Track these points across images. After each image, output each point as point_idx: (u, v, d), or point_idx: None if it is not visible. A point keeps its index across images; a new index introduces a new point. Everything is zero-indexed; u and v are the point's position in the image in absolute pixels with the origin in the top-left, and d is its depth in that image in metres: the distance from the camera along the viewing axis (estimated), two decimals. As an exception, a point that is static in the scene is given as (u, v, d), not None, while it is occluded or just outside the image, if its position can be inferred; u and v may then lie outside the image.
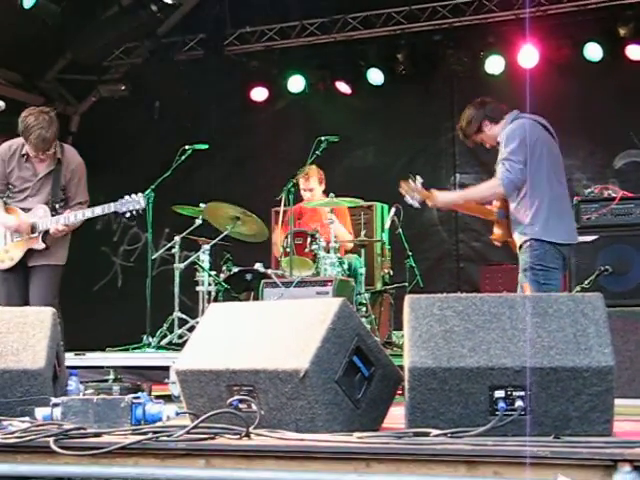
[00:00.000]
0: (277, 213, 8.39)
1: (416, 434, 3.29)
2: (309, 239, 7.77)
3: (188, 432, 3.32)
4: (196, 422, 3.39)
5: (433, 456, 3.03)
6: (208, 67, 10.72)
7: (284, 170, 8.13)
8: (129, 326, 8.13)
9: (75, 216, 5.85)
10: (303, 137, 8.51)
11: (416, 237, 9.19)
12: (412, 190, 5.63)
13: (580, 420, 3.44)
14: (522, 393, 3.43)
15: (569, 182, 5.90)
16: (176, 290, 7.91)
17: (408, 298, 3.69)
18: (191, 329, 7.32)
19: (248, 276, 7.78)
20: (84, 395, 4.40)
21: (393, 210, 8.40)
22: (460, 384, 3.47)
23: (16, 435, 3.41)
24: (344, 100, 10.39)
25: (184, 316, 7.81)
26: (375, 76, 10.15)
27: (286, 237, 7.75)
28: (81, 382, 4.86)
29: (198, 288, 7.99)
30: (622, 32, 9.11)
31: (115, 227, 11.00)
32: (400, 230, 8.39)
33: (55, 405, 3.63)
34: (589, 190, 6.64)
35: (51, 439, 3.29)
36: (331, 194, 7.94)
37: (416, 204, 5.69)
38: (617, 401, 3.51)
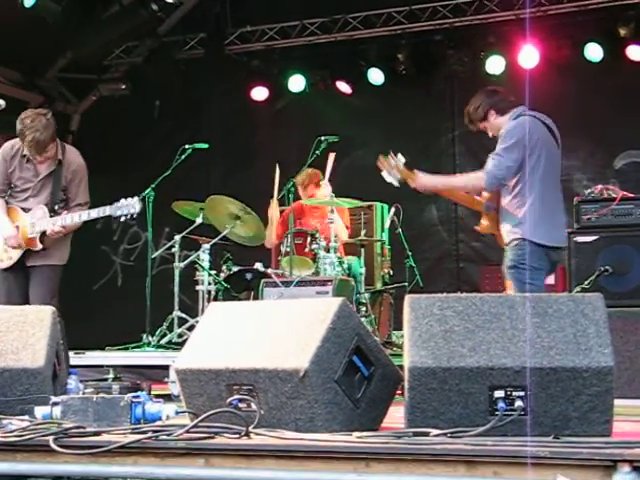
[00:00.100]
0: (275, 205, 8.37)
1: (416, 434, 3.29)
2: (309, 239, 7.77)
3: (188, 431, 3.32)
4: (196, 421, 3.39)
5: (433, 456, 3.03)
6: (209, 66, 10.72)
7: (284, 170, 8.13)
8: (129, 325, 8.14)
9: (72, 218, 5.85)
10: (303, 137, 8.50)
11: (416, 237, 9.20)
12: (391, 167, 5.61)
13: (580, 420, 3.45)
14: (522, 393, 3.44)
15: (569, 182, 5.91)
16: (176, 289, 7.91)
17: (408, 298, 3.70)
18: (191, 328, 7.32)
19: (248, 275, 7.78)
20: (84, 394, 4.41)
21: (393, 210, 8.41)
22: (460, 384, 3.47)
23: (15, 434, 3.42)
24: (344, 100, 10.38)
25: (184, 315, 7.81)
26: (375, 76, 10.15)
27: (286, 237, 7.75)
28: (81, 381, 4.86)
29: (198, 287, 8.00)
30: (622, 32, 9.10)
31: (115, 226, 10.99)
32: (400, 230, 8.39)
33: (55, 404, 3.64)
34: (589, 190, 6.63)
35: (50, 438, 3.29)
36: (331, 194, 7.93)
37: (395, 182, 5.65)
38: (617, 401, 3.51)
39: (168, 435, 3.30)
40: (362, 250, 8.12)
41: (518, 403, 3.43)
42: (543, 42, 9.37)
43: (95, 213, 5.88)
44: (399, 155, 5.61)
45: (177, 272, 7.90)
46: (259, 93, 10.68)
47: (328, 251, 7.67)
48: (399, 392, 3.88)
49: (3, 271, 6.01)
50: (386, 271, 8.54)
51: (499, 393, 3.45)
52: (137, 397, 3.62)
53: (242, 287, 7.86)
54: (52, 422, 3.55)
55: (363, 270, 7.96)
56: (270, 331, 3.81)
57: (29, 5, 8.86)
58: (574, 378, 3.43)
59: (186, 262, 7.92)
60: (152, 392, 6.30)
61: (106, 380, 7.12)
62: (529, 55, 9.35)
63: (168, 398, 5.59)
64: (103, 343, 7.76)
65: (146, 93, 10.88)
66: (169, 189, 7.97)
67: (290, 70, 10.44)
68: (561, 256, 5.57)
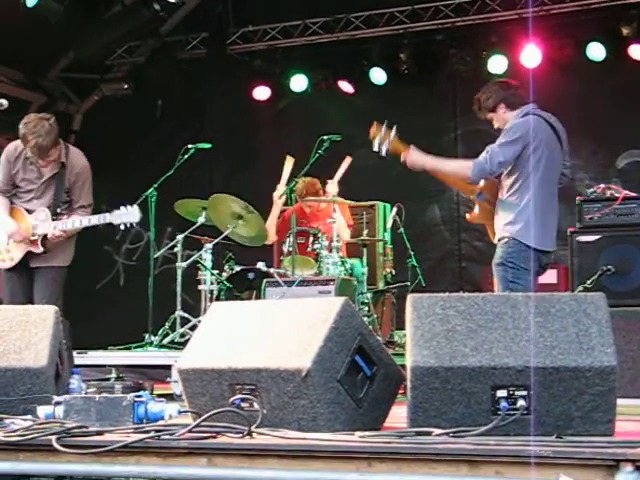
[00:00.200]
0: (278, 197, 8.36)
1: (418, 433, 3.29)
2: (311, 238, 7.77)
3: (190, 431, 3.32)
4: (198, 421, 3.39)
5: (435, 455, 3.03)
6: (211, 66, 10.72)
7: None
8: (131, 325, 8.14)
9: (72, 223, 5.87)
10: (306, 136, 8.49)
11: (418, 236, 9.20)
12: (382, 137, 5.59)
13: (582, 420, 3.44)
14: (524, 393, 3.44)
15: (571, 182, 5.89)
16: (178, 289, 7.91)
17: (410, 297, 3.69)
18: (193, 328, 7.32)
19: (250, 275, 7.78)
20: (86, 393, 4.40)
21: (395, 209, 8.41)
22: (462, 383, 3.47)
23: (18, 433, 3.42)
24: (347, 99, 10.38)
25: (186, 315, 7.81)
26: (378, 75, 10.14)
27: (288, 236, 7.75)
28: (83, 380, 4.87)
29: (200, 287, 8.00)
30: (625, 32, 9.09)
31: (117, 226, 11.00)
32: (402, 229, 8.39)
33: (57, 403, 3.64)
34: (592, 190, 6.63)
35: (53, 437, 3.30)
36: (333, 193, 7.92)
37: (382, 152, 5.62)
38: (619, 401, 3.51)
39: (171, 435, 3.30)
40: (364, 250, 8.12)
41: (520, 402, 3.43)
42: (545, 41, 9.37)
43: (95, 220, 5.90)
44: (394, 128, 5.59)
45: (179, 272, 7.89)
46: (261, 93, 10.68)
47: (330, 251, 7.67)
48: (401, 392, 3.88)
49: (7, 271, 6.02)
50: (388, 271, 8.54)
51: (501, 393, 3.46)
52: (140, 397, 3.63)
53: (244, 287, 7.86)
54: (55, 422, 3.55)
55: (365, 270, 7.96)
56: (272, 331, 3.81)
57: (31, 5, 8.86)
58: (577, 378, 3.43)
59: (188, 262, 7.91)
60: (154, 392, 6.31)
61: (108, 380, 7.13)
62: (531, 54, 9.34)
63: (170, 398, 5.60)
64: (105, 343, 7.76)
65: (148, 93, 10.89)
66: (171, 189, 7.97)
67: (292, 70, 10.44)
68: (551, 259, 5.54)
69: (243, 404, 3.66)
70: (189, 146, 8.06)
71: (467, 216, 5.87)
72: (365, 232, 8.31)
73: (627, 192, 6.48)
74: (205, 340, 4.00)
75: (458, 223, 10.03)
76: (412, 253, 8.36)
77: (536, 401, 3.42)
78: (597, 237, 6.36)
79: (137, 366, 7.55)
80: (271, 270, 7.69)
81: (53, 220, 5.89)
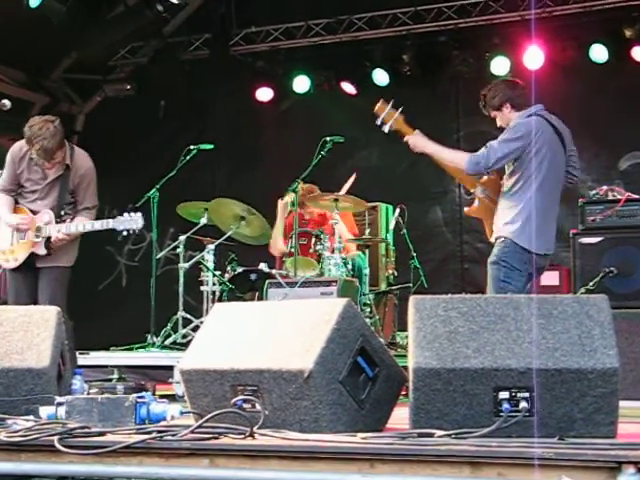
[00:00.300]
0: (283, 206, 8.36)
1: (420, 435, 3.29)
2: (313, 239, 7.77)
3: (192, 432, 3.32)
4: (200, 422, 3.39)
5: (437, 457, 3.02)
6: (213, 67, 10.73)
7: (289, 170, 8.12)
8: (133, 325, 8.15)
9: (76, 227, 5.89)
10: (308, 137, 8.50)
11: (420, 238, 9.19)
12: (387, 113, 5.60)
13: (585, 422, 3.44)
14: (526, 394, 3.43)
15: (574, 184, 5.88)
16: (180, 290, 7.92)
17: (413, 299, 3.69)
18: (195, 329, 7.33)
19: (252, 276, 7.79)
20: (88, 394, 4.41)
21: (397, 211, 8.41)
22: (464, 385, 3.46)
23: (20, 434, 3.42)
24: (349, 100, 10.38)
25: (188, 316, 7.82)
26: (380, 77, 10.15)
27: (290, 237, 7.75)
28: (85, 381, 4.87)
29: (202, 288, 8.01)
30: (628, 34, 9.09)
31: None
32: (404, 231, 8.39)
33: (59, 404, 3.64)
34: (594, 192, 6.63)
35: (55, 438, 3.29)
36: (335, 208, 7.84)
37: (385, 129, 5.64)
38: (622, 403, 3.51)
39: (173, 435, 3.30)
40: (366, 251, 8.12)
41: (523, 404, 3.42)
42: (548, 43, 9.36)
43: (99, 225, 5.91)
44: (400, 108, 5.61)
45: (182, 273, 7.91)
46: (264, 94, 10.68)
47: (332, 252, 7.67)
48: (403, 393, 3.88)
49: (11, 271, 6.03)
50: (390, 272, 8.54)
51: (504, 394, 3.45)
52: (142, 397, 3.62)
53: (246, 288, 7.86)
54: (57, 422, 3.55)
55: (367, 270, 7.96)
56: (274, 332, 3.81)
57: (34, 5, 8.87)
58: (579, 379, 3.43)
59: (191, 263, 7.92)
60: (156, 392, 6.31)
61: (110, 380, 7.14)
62: (534, 56, 9.34)
63: (172, 398, 5.61)
64: (108, 343, 7.77)
65: (151, 94, 10.89)
66: (174, 190, 7.97)
67: (295, 71, 10.44)
68: (547, 262, 5.52)
69: (245, 405, 3.65)
70: (191, 147, 8.07)
71: (466, 209, 5.88)
72: (367, 232, 8.31)
73: (629, 194, 6.48)
74: (207, 341, 4.00)
75: (460, 225, 10.03)
76: (414, 254, 8.36)
77: (538, 403, 3.42)
78: (599, 239, 6.36)
79: (139, 367, 7.55)
80: (273, 271, 7.70)
81: (57, 222, 5.90)
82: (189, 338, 7.25)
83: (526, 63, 9.38)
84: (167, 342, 7.58)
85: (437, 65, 10.08)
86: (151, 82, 10.80)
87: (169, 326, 7.78)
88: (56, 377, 4.14)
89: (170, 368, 6.60)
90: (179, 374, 4.00)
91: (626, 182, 8.70)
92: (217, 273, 7.88)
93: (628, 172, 9.33)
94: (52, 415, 3.63)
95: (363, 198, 8.01)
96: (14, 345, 4.12)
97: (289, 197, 8.04)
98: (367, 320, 6.83)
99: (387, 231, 8.72)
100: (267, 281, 7.36)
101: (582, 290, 6.09)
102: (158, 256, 8.05)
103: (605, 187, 6.69)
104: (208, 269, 7.85)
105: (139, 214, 5.92)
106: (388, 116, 5.60)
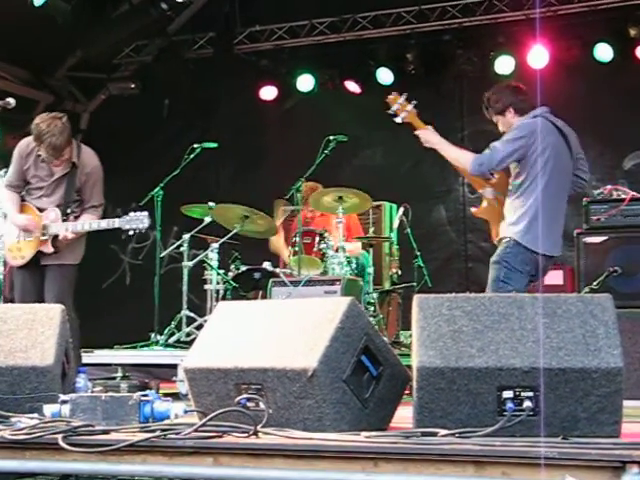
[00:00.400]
0: (283, 212, 8.37)
1: (424, 434, 3.29)
2: (317, 238, 7.77)
3: (196, 430, 3.32)
4: (204, 420, 3.39)
5: (441, 456, 3.03)
6: (218, 65, 10.72)
7: (293, 169, 8.12)
8: (137, 324, 8.15)
9: (82, 226, 5.90)
10: (312, 136, 8.49)
11: (424, 237, 9.19)
12: (400, 104, 5.64)
13: (588, 421, 3.44)
14: (530, 394, 3.43)
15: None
16: (184, 288, 7.92)
17: (417, 298, 3.69)
18: (199, 327, 7.33)
19: (256, 275, 7.79)
20: (92, 392, 4.42)
21: (401, 210, 8.40)
22: (468, 384, 3.46)
23: (25, 432, 3.43)
24: (353, 99, 10.37)
25: (192, 314, 7.82)
26: (384, 76, 10.13)
27: (294, 236, 7.75)
28: (89, 379, 4.87)
29: (206, 286, 8.01)
30: (632, 33, 9.07)
31: (123, 225, 11.00)
32: (408, 230, 8.39)
33: (63, 402, 3.65)
34: (598, 191, 6.62)
35: (59, 436, 3.30)
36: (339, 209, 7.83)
37: (398, 120, 5.70)
38: (626, 402, 3.51)
39: (177, 434, 3.30)
40: (370, 250, 8.12)
41: (527, 403, 3.42)
42: (553, 42, 9.35)
43: (105, 224, 5.93)
44: (413, 102, 5.63)
45: (185, 271, 7.90)
46: (268, 92, 10.68)
47: (337, 250, 7.67)
48: (407, 392, 3.88)
49: (18, 269, 6.04)
50: (394, 271, 8.53)
51: (508, 393, 3.45)
52: (146, 396, 3.63)
53: (250, 286, 7.87)
54: (61, 420, 3.56)
55: (372, 269, 7.96)
56: (278, 330, 3.81)
57: (39, 4, 8.87)
58: (583, 379, 3.42)
59: (195, 261, 7.92)
60: (160, 391, 6.31)
61: (114, 379, 7.14)
62: (538, 55, 9.33)
63: (176, 397, 5.61)
64: (112, 342, 7.77)
65: (155, 92, 10.89)
66: (178, 188, 7.97)
67: (299, 70, 10.44)
68: (550, 263, 5.50)
69: (249, 404, 3.66)
70: (195, 145, 8.07)
71: (472, 209, 5.87)
72: (371, 231, 8.31)
73: (634, 193, 6.47)
74: (211, 339, 4.01)
75: (464, 224, 10.02)
76: (418, 253, 8.36)
77: (542, 402, 3.42)
78: (604, 238, 6.35)
79: (143, 365, 7.56)
80: (277, 270, 7.70)
81: (63, 220, 5.90)
82: (193, 336, 7.25)
83: (530, 62, 9.37)
84: (171, 340, 7.58)
85: (441, 64, 10.06)
86: (155, 81, 10.80)
87: (173, 324, 7.79)
88: (60, 375, 4.15)
89: (174, 366, 6.59)
90: (183, 372, 4.01)
91: (630, 181, 8.68)
92: (221, 272, 7.88)
93: (632, 171, 9.32)
94: (56, 413, 3.64)
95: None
96: (18, 343, 4.13)
97: (285, 205, 8.07)
98: (371, 319, 6.85)
99: (391, 230, 8.71)
100: (271, 280, 7.36)
101: (586, 289, 6.08)
102: (162, 254, 8.05)
103: (609, 186, 6.69)
104: (212, 268, 7.86)
105: (145, 213, 5.93)
106: (401, 107, 5.63)
